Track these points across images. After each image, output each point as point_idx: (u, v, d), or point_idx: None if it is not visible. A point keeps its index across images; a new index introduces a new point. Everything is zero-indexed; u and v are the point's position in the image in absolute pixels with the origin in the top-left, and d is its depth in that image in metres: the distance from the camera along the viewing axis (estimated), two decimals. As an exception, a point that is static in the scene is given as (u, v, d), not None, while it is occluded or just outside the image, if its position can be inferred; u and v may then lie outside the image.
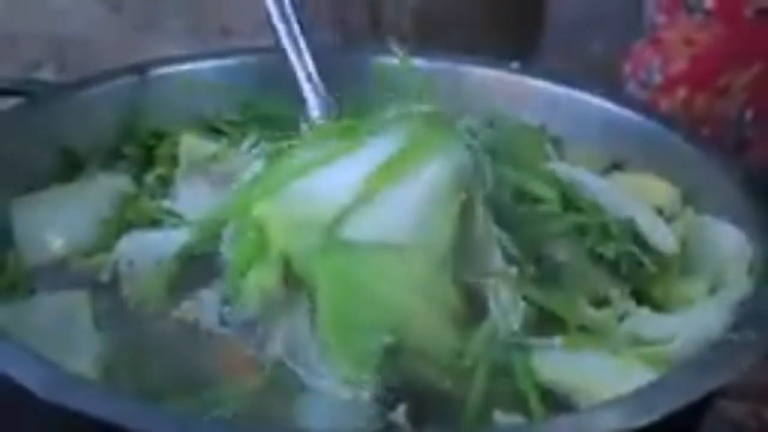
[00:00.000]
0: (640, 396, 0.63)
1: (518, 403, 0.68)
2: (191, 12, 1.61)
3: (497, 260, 0.73)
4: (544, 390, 0.69)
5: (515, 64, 1.02)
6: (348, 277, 0.68)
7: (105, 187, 0.86)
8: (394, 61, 0.97)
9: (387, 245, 0.68)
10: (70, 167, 0.89)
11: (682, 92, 1.31)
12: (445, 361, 0.69)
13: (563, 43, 1.79)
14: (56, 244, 0.81)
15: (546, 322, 0.73)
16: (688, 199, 0.88)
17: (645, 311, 0.75)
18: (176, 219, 0.82)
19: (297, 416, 0.67)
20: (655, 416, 0.61)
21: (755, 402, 0.91)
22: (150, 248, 0.78)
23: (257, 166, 0.81)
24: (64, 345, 0.69)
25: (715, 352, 0.68)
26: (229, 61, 1.00)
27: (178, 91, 0.95)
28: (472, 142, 0.76)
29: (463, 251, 0.71)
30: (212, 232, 0.77)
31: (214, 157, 0.88)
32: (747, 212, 0.82)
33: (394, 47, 0.96)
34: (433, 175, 0.70)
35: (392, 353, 0.67)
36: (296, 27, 0.91)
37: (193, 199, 0.84)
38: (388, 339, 0.67)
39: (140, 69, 0.96)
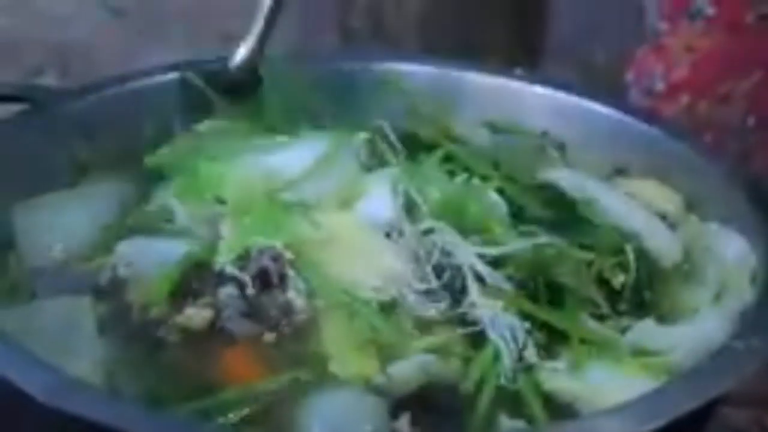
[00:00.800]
0: (644, 402, 0.63)
1: (522, 411, 0.68)
2: (192, 18, 1.61)
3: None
4: (547, 398, 0.69)
5: (518, 71, 1.02)
6: None
7: (107, 192, 0.86)
8: (396, 66, 0.98)
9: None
10: (73, 172, 0.88)
11: (684, 99, 1.31)
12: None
13: (565, 50, 1.80)
14: (58, 247, 0.80)
15: (549, 338, 0.73)
16: (691, 205, 0.88)
17: (649, 322, 0.75)
18: (178, 226, 0.82)
19: (302, 423, 0.67)
20: (659, 422, 0.61)
21: (758, 409, 0.91)
22: (152, 253, 0.78)
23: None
24: (66, 349, 0.69)
25: (719, 359, 0.68)
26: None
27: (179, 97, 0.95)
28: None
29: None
30: (216, 241, 0.77)
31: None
32: (750, 219, 0.82)
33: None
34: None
35: None
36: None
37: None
38: None
39: (142, 75, 0.96)
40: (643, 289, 0.77)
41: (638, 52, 1.39)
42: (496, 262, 0.74)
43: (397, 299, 0.73)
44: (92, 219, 0.83)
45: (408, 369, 0.69)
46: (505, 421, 0.67)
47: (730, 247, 0.80)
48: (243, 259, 0.76)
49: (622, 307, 0.75)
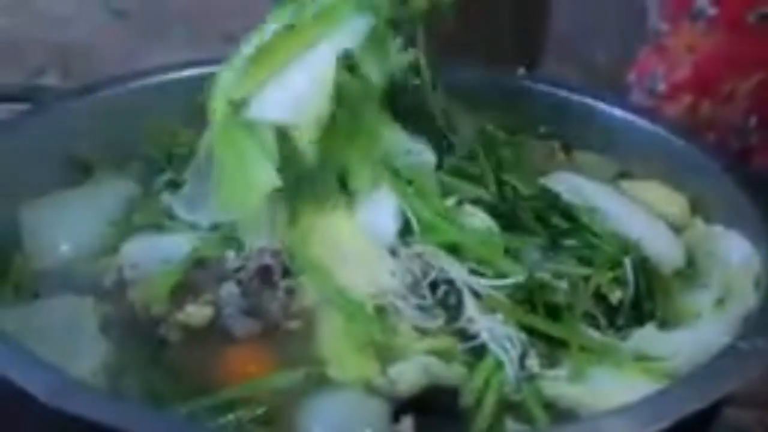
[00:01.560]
0: (648, 404, 0.63)
1: (525, 416, 0.68)
2: (194, 19, 1.61)
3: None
4: (549, 404, 0.69)
5: (521, 71, 1.02)
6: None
7: (112, 192, 0.86)
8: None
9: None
10: (78, 172, 0.88)
11: (686, 99, 1.30)
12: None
13: (565, 50, 1.79)
14: (63, 247, 0.81)
15: (549, 347, 0.72)
16: (695, 207, 0.88)
17: (650, 327, 0.75)
18: (183, 224, 0.82)
19: (302, 424, 0.67)
20: (663, 424, 0.61)
21: (762, 409, 0.90)
22: (155, 252, 0.78)
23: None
24: (68, 349, 0.69)
25: (724, 360, 0.68)
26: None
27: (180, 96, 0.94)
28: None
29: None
30: (219, 239, 0.77)
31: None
32: (753, 221, 0.82)
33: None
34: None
35: None
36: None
37: (202, 200, 0.83)
38: None
39: (144, 75, 0.96)
40: (642, 303, 0.76)
41: (640, 52, 1.39)
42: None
43: (394, 306, 0.73)
44: (97, 218, 0.83)
45: (409, 370, 0.69)
46: (510, 425, 0.67)
47: (735, 251, 0.80)
48: (244, 257, 0.76)
49: (620, 321, 0.75)
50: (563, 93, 0.99)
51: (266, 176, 0.77)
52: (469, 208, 0.80)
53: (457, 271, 0.74)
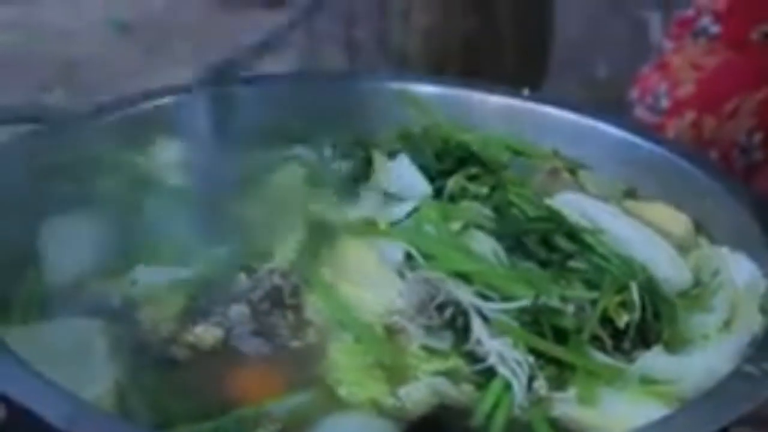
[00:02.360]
0: (658, 428, 0.64)
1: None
2: (198, 35, 1.62)
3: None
4: (558, 427, 0.69)
5: (526, 91, 1.02)
6: None
7: (126, 213, 0.86)
8: (403, 86, 0.98)
9: None
10: (93, 192, 0.89)
11: (689, 116, 1.31)
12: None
13: (568, 68, 1.80)
14: (74, 267, 0.81)
15: (558, 370, 0.72)
16: (700, 227, 0.88)
17: (656, 350, 0.74)
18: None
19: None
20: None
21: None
22: (166, 273, 0.79)
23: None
24: (79, 373, 0.69)
25: (733, 383, 0.68)
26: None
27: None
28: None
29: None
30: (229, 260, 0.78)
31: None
32: (759, 243, 0.81)
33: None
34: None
35: None
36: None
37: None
38: None
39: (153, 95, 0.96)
40: (649, 326, 0.76)
41: (642, 69, 1.40)
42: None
43: (402, 327, 0.74)
44: (108, 239, 0.83)
45: (418, 391, 0.70)
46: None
47: (741, 273, 0.80)
48: (255, 278, 0.76)
49: (626, 345, 0.75)
50: (568, 112, 0.99)
51: None
52: (474, 232, 0.81)
53: (464, 293, 0.74)
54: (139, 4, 1.69)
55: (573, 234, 0.81)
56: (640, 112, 1.36)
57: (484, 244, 0.79)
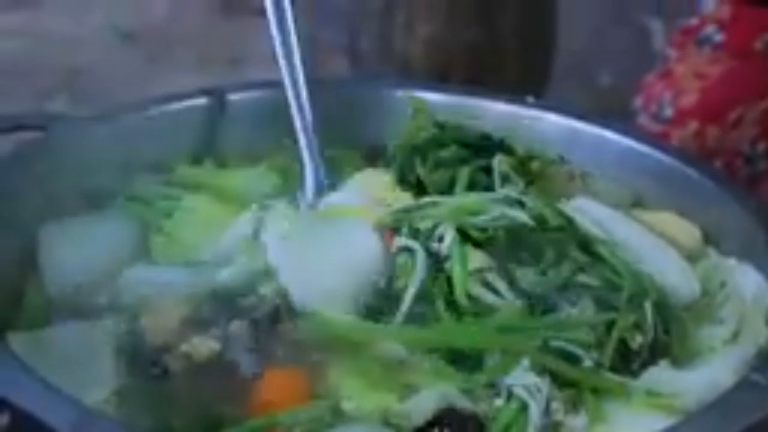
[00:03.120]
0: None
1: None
2: (201, 44, 1.62)
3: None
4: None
5: (530, 99, 1.02)
6: None
7: (128, 218, 0.86)
8: (407, 93, 0.98)
9: None
10: (94, 198, 0.89)
11: (693, 125, 1.31)
12: None
13: (570, 77, 1.80)
14: (77, 273, 0.80)
15: (570, 389, 0.72)
16: (708, 237, 0.88)
17: (664, 365, 0.74)
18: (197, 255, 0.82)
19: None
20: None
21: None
22: (167, 281, 0.78)
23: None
24: (82, 378, 0.69)
25: (741, 393, 0.67)
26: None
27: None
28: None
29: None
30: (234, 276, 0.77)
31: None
32: (767, 253, 0.81)
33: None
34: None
35: None
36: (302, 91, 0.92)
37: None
38: None
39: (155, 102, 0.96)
40: (659, 343, 0.75)
41: (646, 78, 1.40)
42: None
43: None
44: (113, 245, 0.83)
45: (425, 401, 0.69)
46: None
47: (748, 285, 0.79)
48: (259, 295, 0.76)
49: (636, 363, 0.74)
50: (574, 120, 0.99)
51: None
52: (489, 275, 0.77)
53: None
54: (141, 12, 1.69)
55: (586, 243, 0.79)
56: (644, 121, 1.36)
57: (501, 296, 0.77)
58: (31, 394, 0.63)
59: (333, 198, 0.87)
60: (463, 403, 0.69)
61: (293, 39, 0.92)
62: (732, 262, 0.82)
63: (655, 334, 0.75)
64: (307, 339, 0.73)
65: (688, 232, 0.86)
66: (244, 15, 1.82)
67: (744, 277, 0.80)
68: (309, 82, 0.93)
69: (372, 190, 0.87)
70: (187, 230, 0.85)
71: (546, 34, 1.73)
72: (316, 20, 1.60)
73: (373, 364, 0.71)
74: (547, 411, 0.69)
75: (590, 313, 0.74)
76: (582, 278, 0.76)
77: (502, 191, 0.83)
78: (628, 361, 0.74)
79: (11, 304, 0.77)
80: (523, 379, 0.70)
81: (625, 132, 0.97)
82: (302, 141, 0.91)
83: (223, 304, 0.76)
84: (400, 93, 1.00)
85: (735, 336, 0.76)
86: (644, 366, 0.74)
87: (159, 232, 0.85)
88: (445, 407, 0.68)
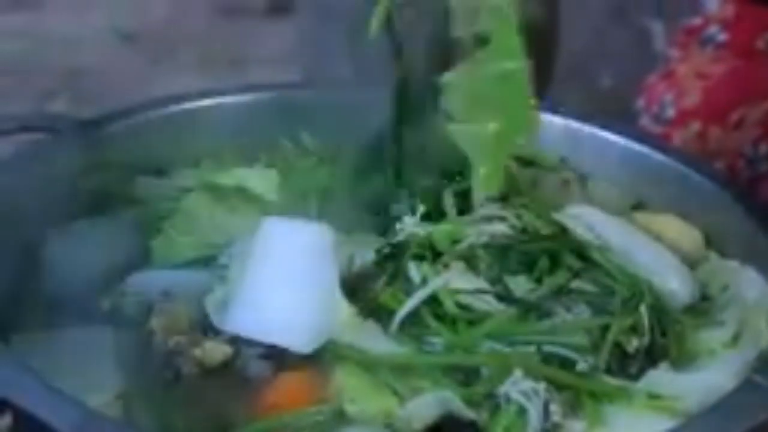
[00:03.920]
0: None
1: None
2: (202, 45, 1.62)
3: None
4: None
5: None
6: None
7: (133, 221, 0.86)
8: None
9: None
10: (99, 201, 0.89)
11: (695, 126, 1.31)
12: None
13: (572, 78, 1.80)
14: (83, 274, 0.80)
15: (566, 394, 0.72)
16: (709, 240, 0.88)
17: (664, 367, 0.74)
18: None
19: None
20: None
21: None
22: (174, 283, 0.79)
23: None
24: (86, 380, 0.69)
25: (743, 395, 0.68)
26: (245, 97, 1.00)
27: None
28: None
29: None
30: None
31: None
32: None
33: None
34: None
35: None
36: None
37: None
38: None
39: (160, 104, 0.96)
40: (657, 346, 0.75)
41: (648, 79, 1.39)
42: None
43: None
44: (118, 248, 0.83)
45: (426, 405, 0.69)
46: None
47: (750, 288, 0.79)
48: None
49: (634, 367, 0.74)
50: (577, 121, 0.99)
51: None
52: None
53: None
54: (142, 13, 1.69)
55: (580, 250, 0.79)
56: (646, 122, 1.35)
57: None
58: (33, 395, 0.63)
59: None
60: (462, 410, 0.69)
61: None
62: (734, 264, 0.82)
63: (652, 337, 0.75)
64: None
65: (689, 234, 0.86)
66: (246, 16, 1.82)
67: (746, 279, 0.80)
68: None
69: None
70: (186, 231, 0.85)
71: (548, 37, 1.73)
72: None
73: (376, 368, 0.72)
74: (545, 414, 0.69)
75: (585, 318, 0.74)
76: (577, 284, 0.76)
77: (478, 212, 0.82)
78: (625, 365, 0.74)
79: (14, 306, 0.78)
80: (519, 384, 0.70)
81: (626, 133, 0.97)
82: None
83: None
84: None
85: (736, 339, 0.76)
86: (643, 369, 0.74)
87: (159, 234, 0.85)
88: (444, 413, 0.69)
